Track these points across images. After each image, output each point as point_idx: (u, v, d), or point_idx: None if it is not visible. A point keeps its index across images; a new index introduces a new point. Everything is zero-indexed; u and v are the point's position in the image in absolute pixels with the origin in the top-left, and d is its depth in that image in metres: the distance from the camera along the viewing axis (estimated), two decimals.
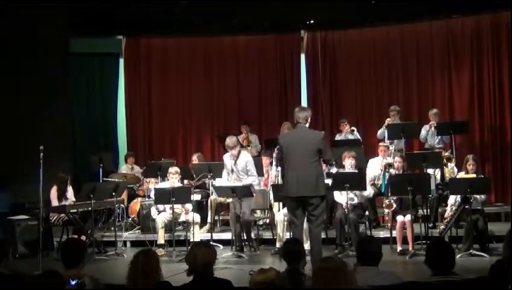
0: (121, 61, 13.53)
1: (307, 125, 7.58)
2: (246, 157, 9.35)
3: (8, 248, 8.78)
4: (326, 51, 13.23)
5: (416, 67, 12.75)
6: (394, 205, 9.04)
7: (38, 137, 10.00)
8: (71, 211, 9.30)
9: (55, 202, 9.54)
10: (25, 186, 9.85)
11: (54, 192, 9.58)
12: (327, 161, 7.77)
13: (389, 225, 9.31)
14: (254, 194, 9.23)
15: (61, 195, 9.60)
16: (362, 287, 4.14)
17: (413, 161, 9.88)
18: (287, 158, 7.52)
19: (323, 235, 9.36)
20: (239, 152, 9.29)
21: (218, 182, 9.72)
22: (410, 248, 8.72)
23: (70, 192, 9.76)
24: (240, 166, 9.23)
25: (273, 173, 10.06)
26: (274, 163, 10.12)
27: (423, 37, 12.70)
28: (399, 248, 8.84)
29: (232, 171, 9.30)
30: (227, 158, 9.36)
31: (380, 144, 10.55)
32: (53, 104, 11.35)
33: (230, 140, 9.20)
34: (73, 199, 9.67)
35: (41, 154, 8.39)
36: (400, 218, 8.88)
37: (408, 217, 8.79)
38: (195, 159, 11.22)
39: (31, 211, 9.74)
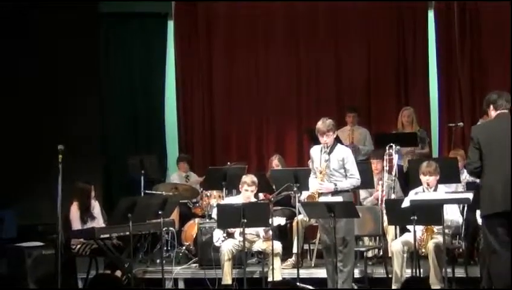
0: (170, 24, 13.56)
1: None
2: (344, 152, 9.15)
3: (15, 286, 9.14)
4: (466, 24, 13.13)
5: None
6: None
7: (56, 134, 10.37)
8: (102, 236, 9.28)
9: (77, 224, 9.55)
10: (38, 202, 10.29)
11: (74, 210, 9.59)
12: None
13: None
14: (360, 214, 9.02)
15: (85, 213, 9.65)
16: None
17: None
18: (488, 159, 7.68)
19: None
20: (335, 143, 9.11)
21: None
22: None
23: (97, 208, 9.83)
24: (334, 162, 9.03)
25: (385, 183, 10.11)
26: (386, 168, 10.27)
27: None
28: None
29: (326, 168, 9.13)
30: (315, 152, 9.18)
31: None
32: (78, 87, 11.70)
33: (323, 123, 9.03)
34: (103, 219, 9.78)
35: (60, 156, 8.52)
36: None
37: None
38: (276, 163, 11.27)
39: (46, 235, 9.89)
